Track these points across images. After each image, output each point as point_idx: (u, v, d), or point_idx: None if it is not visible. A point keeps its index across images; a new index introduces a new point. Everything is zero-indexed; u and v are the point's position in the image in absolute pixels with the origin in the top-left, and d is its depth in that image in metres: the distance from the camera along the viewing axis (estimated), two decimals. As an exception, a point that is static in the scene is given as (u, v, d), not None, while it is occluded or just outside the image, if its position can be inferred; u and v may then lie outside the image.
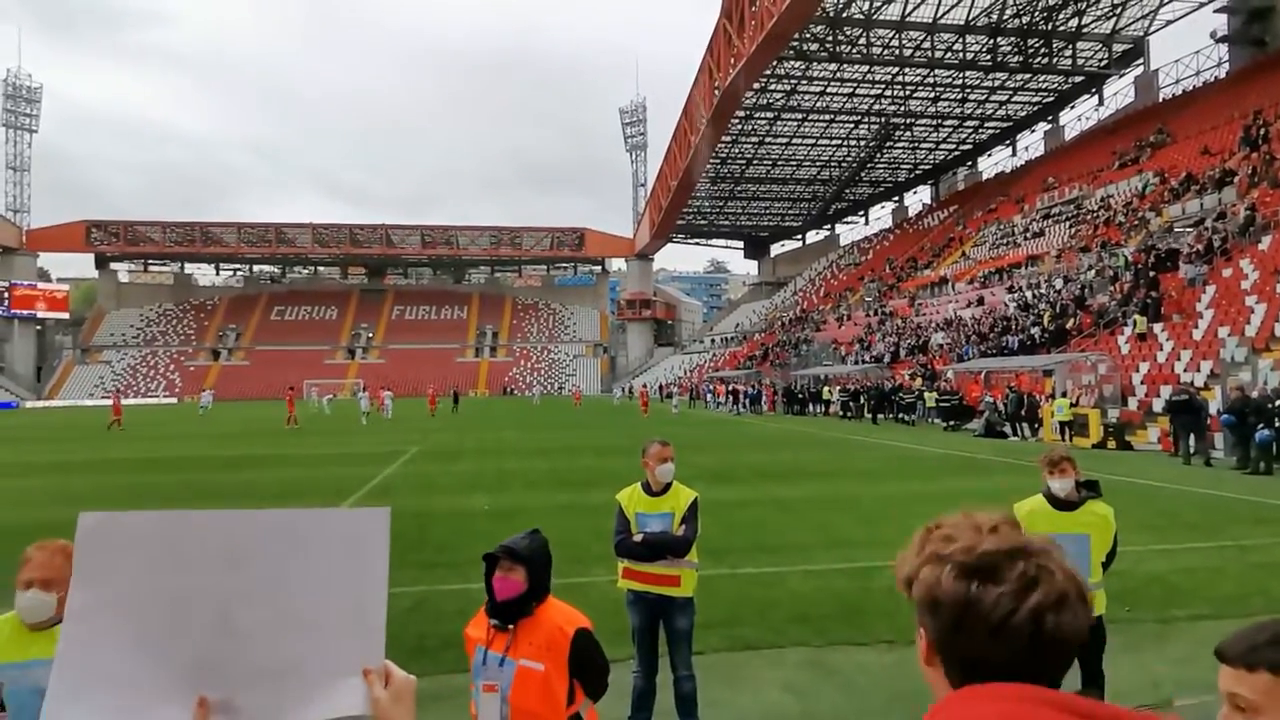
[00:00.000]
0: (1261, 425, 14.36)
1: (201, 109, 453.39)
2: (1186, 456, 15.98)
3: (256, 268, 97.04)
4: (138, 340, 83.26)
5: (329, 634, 1.17)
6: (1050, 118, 56.29)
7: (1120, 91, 50.87)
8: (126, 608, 1.14)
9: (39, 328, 79.62)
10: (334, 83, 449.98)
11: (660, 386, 63.39)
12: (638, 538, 4.14)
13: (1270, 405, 14.59)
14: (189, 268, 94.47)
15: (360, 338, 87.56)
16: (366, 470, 16.24)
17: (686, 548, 4.12)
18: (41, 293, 78.68)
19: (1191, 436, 16.10)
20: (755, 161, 64.19)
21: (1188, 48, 58.33)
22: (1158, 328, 23.23)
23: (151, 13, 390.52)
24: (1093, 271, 30.51)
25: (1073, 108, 54.98)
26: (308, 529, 1.19)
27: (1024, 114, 56.65)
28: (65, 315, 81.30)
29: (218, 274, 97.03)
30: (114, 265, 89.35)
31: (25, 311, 76.09)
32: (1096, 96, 52.56)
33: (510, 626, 2.64)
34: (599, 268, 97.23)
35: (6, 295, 74.44)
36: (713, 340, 77.53)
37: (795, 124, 57.00)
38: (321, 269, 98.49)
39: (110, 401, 36.29)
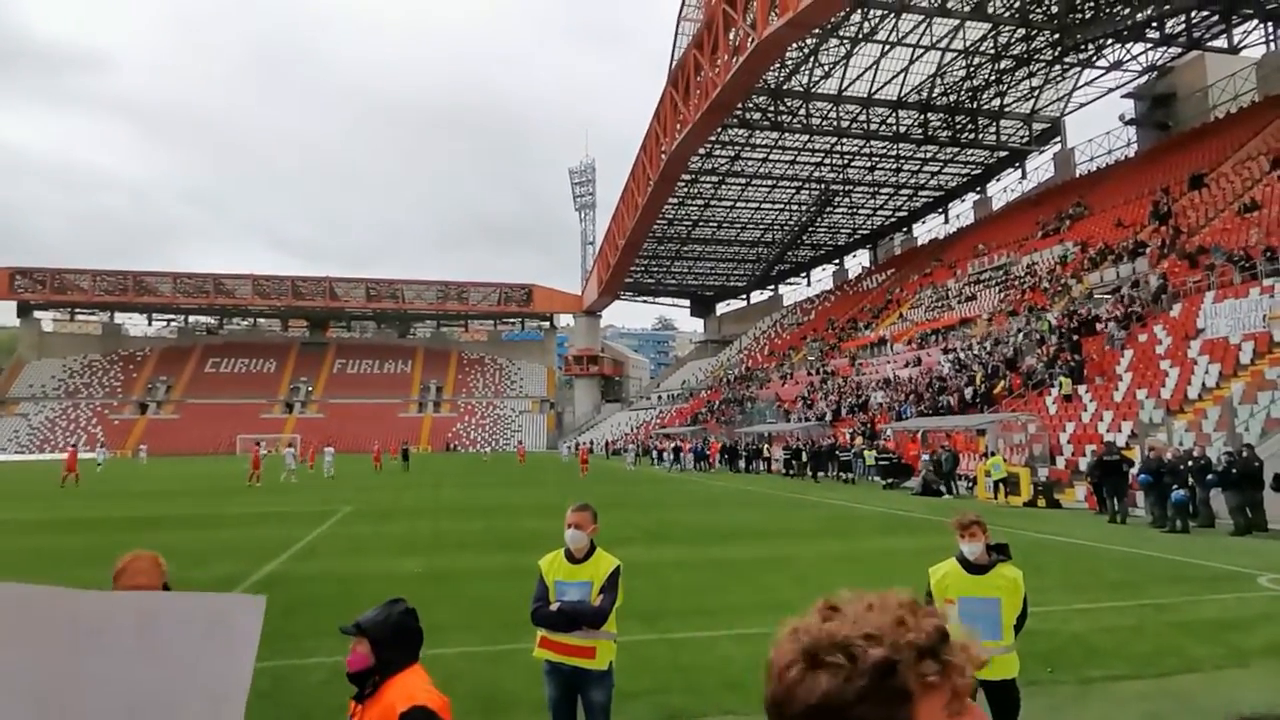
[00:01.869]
0: (1176, 485, 14.95)
1: (142, 157, 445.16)
2: (1113, 515, 16.51)
3: (192, 319, 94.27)
4: (59, 392, 79.53)
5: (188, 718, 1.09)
6: (979, 188, 59.23)
7: (1041, 166, 54.05)
8: None
9: (-49, 378, 75.61)
10: (280, 134, 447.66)
11: (607, 443, 63.04)
12: (554, 606, 4.06)
13: (1183, 466, 15.22)
14: (119, 317, 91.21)
15: (299, 391, 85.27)
16: (294, 531, 15.62)
17: (602, 619, 4.03)
18: (-44, 341, 75.00)
19: (1116, 496, 16.69)
20: (701, 223, 65.68)
21: (1101, 128, 62.39)
22: (1082, 389, 24.20)
23: (91, 58, 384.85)
24: (1021, 334, 31.77)
25: (999, 180, 58.05)
26: (170, 614, 1.11)
27: (954, 184, 59.52)
28: (-19, 365, 77.49)
29: (150, 324, 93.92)
30: (38, 314, 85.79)
31: (-63, 361, 72.32)
32: (1020, 170, 55.67)
33: (361, 703, 2.52)
34: (547, 323, 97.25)
35: (-83, 344, 70.74)
36: (660, 397, 77.80)
37: (739, 188, 58.75)
38: (261, 321, 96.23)
39: (65, 455, 34.38)
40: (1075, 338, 27.31)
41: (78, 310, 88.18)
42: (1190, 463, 15.30)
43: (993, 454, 22.29)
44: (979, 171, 57.22)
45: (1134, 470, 16.68)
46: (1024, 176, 55.41)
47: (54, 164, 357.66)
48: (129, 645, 1.10)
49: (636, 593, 8.95)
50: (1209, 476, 14.95)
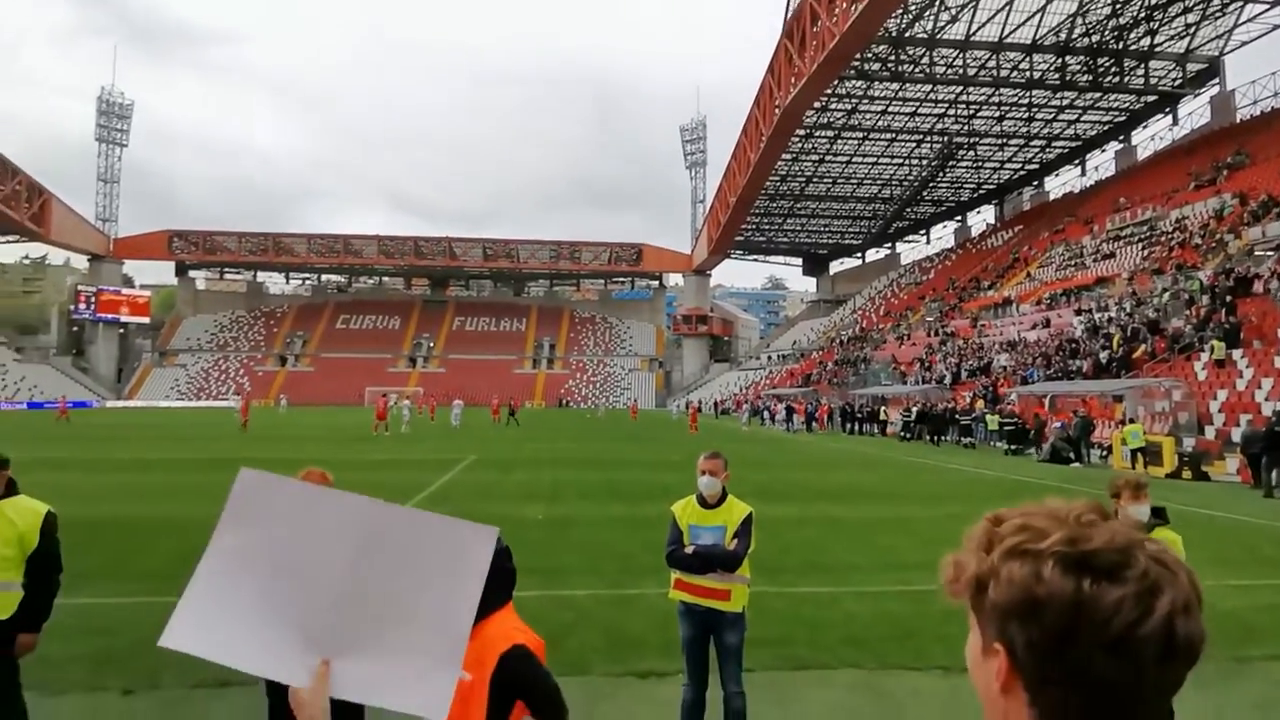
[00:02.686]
0: (1349, 460, 13.62)
1: (276, 124, 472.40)
2: (1269, 489, 15.26)
3: (324, 277, 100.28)
4: (211, 345, 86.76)
5: (421, 631, 1.25)
6: (1122, 137, 54.57)
7: (1196, 111, 49.11)
8: (263, 559, 1.27)
9: (121, 331, 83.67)
10: (401, 100, 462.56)
11: (715, 403, 63.16)
12: (689, 549, 4.18)
13: (1359, 439, 13.83)
14: (261, 276, 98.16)
15: (422, 347, 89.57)
16: (426, 476, 16.61)
17: (737, 563, 4.13)
18: (125, 298, 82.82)
19: (1277, 469, 15.39)
20: (815, 179, 63.78)
21: (1266, 67, 55.87)
22: (1237, 354, 22.25)
23: (230, 32, 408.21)
24: (1167, 295, 29.40)
25: (1145, 127, 53.23)
26: (425, 530, 1.27)
27: (1094, 133, 55.04)
28: (146, 320, 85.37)
29: (287, 282, 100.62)
30: (192, 273, 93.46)
31: (109, 316, 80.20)
32: (1170, 116, 50.81)
33: None
34: (656, 283, 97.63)
35: (93, 300, 78.57)
36: (769, 357, 77.00)
37: (856, 142, 56.51)
38: (386, 279, 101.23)
39: (239, 403, 38.70)
40: (1230, 298, 25.04)
41: (226, 269, 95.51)
42: (1367, 436, 13.88)
43: (1131, 421, 20.91)
44: (1123, 119, 52.62)
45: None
46: (1175, 123, 50.63)
47: (201, 132, 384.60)
48: (396, 554, 1.27)
49: (755, 545, 9.03)
50: (1389, 451, 13.54)
